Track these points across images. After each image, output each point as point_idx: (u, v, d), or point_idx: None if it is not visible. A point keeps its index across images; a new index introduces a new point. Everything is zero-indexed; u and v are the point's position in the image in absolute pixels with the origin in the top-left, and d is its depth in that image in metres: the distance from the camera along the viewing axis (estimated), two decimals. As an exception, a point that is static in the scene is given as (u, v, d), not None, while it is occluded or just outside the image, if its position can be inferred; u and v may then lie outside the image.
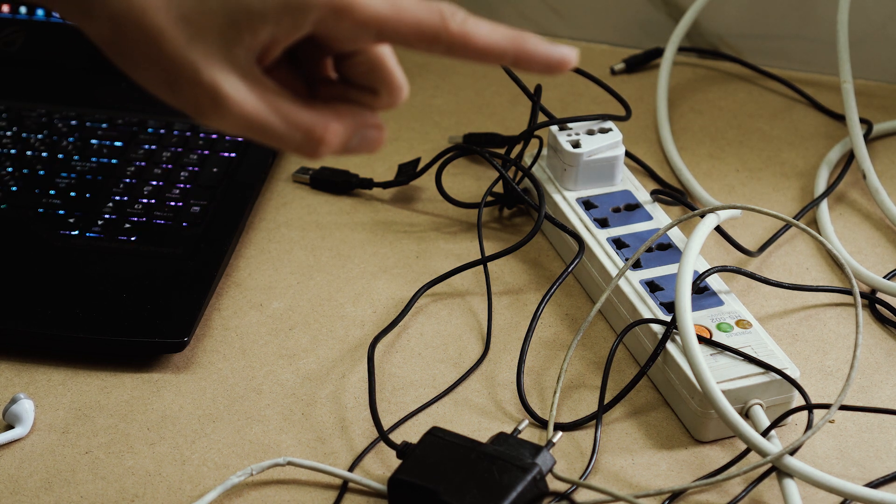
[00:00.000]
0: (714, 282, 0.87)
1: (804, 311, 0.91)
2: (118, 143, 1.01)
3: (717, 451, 0.81)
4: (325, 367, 0.86)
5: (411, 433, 0.81)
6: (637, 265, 0.88)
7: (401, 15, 0.58)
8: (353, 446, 0.81)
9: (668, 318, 0.84)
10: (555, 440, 0.79)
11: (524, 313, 0.90)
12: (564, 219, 0.93)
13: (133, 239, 0.93)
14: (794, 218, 0.96)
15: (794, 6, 1.13)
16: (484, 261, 0.92)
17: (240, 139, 1.01)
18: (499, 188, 0.99)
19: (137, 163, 0.99)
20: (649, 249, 0.89)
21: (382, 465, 0.79)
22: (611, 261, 0.89)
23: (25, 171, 0.98)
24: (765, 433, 0.78)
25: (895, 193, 1.00)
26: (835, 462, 0.80)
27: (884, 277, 0.92)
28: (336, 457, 0.80)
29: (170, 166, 0.99)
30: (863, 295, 0.90)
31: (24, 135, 1.01)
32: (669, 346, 0.83)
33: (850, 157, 1.02)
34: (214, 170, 0.99)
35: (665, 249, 0.90)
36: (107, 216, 0.94)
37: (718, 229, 0.91)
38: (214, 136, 1.01)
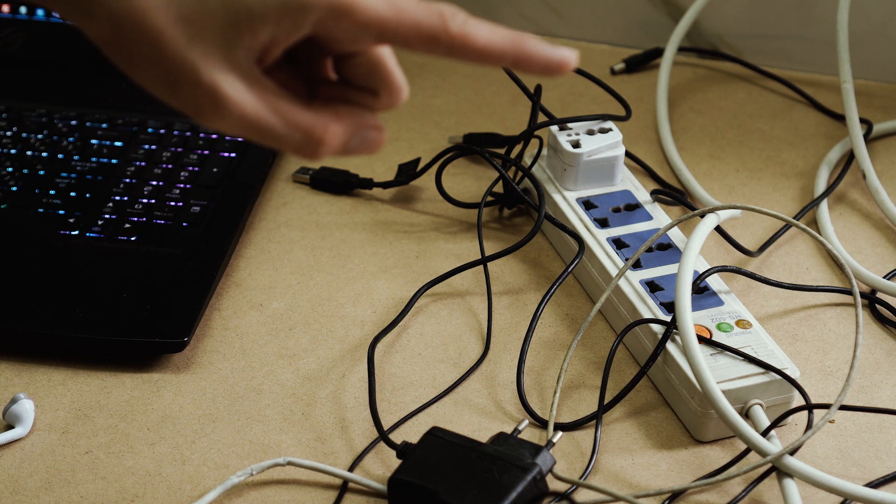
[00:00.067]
0: (714, 282, 0.87)
1: (804, 311, 0.91)
2: (118, 143, 1.01)
3: (717, 451, 0.81)
4: (325, 367, 0.86)
5: (411, 433, 0.81)
6: (637, 265, 0.88)
7: (401, 16, 0.58)
8: (353, 446, 0.81)
9: (668, 318, 0.84)
10: (555, 440, 0.79)
11: (524, 313, 0.90)
12: (564, 219, 0.93)
13: (133, 239, 0.92)
14: (794, 218, 0.95)
15: (794, 6, 1.13)
16: (484, 261, 0.92)
17: (240, 139, 1.01)
18: (499, 188, 0.99)
19: (137, 163, 0.99)
20: (649, 249, 0.89)
21: (382, 465, 0.79)
22: (611, 261, 0.89)
23: (25, 171, 0.98)
24: (765, 433, 0.78)
25: (895, 193, 1.00)
26: (835, 462, 0.80)
27: (884, 277, 0.92)
28: (336, 457, 0.80)
29: (170, 166, 0.99)
30: (863, 295, 0.90)
31: (24, 135, 1.01)
32: (669, 346, 0.83)
33: (850, 157, 1.02)
34: (214, 170, 0.99)
35: (665, 249, 0.90)
36: (107, 216, 0.94)
37: (718, 229, 0.91)
38: (214, 136, 1.01)
